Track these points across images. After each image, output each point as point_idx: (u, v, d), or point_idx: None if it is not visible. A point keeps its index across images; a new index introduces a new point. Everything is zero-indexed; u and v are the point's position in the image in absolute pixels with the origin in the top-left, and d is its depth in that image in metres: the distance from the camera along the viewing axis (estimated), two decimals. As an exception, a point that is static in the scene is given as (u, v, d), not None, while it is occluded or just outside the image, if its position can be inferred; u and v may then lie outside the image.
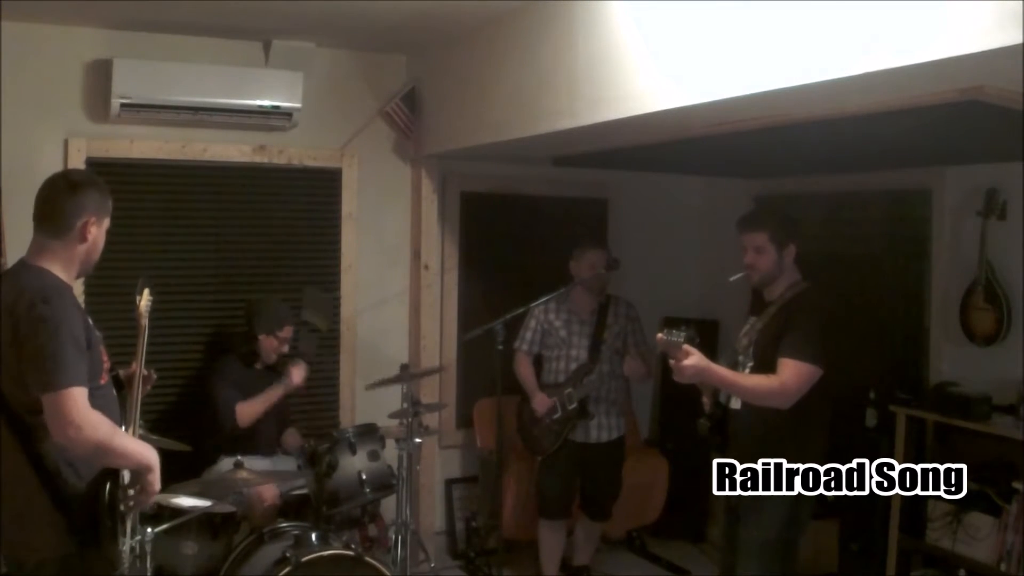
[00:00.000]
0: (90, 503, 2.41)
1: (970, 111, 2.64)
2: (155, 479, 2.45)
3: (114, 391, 2.63)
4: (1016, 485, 3.77)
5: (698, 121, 3.22)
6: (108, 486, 2.43)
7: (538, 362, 4.52)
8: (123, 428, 2.59)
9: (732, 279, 3.30)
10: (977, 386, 4.02)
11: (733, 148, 3.92)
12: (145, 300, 2.98)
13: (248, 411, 4.00)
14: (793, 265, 3.27)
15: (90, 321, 2.50)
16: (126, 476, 2.50)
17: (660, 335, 3.04)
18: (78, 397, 2.27)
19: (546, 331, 4.43)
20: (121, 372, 2.88)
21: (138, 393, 2.79)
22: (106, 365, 2.55)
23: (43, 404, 2.28)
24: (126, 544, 2.46)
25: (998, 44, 1.87)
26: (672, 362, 3.01)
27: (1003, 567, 3.75)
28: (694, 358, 2.97)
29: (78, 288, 4.19)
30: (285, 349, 4.22)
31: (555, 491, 4.41)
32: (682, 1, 2.81)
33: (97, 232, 2.55)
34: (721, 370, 3.09)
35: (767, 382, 3.07)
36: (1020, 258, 3.98)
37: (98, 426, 2.30)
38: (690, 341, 2.98)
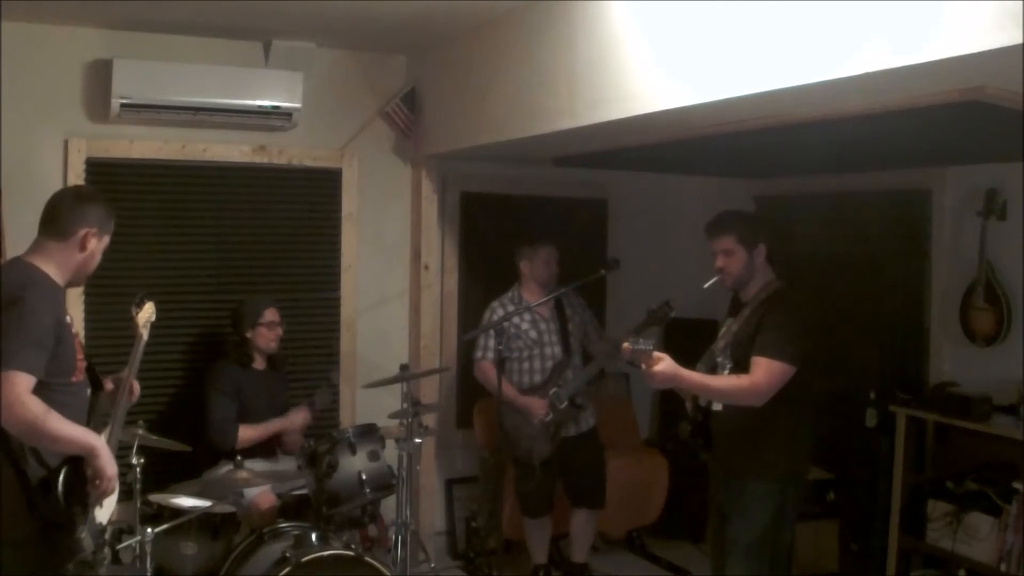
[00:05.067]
0: (51, 490, 2.47)
1: (970, 111, 2.64)
2: (101, 464, 2.52)
3: (87, 391, 2.70)
4: (1016, 485, 3.78)
5: (698, 121, 3.22)
6: (64, 473, 2.49)
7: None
8: (87, 426, 2.63)
9: (706, 285, 3.30)
10: (977, 386, 4.02)
11: (733, 148, 3.92)
12: (146, 313, 3.04)
13: (249, 435, 4.02)
14: (766, 264, 3.26)
15: (68, 319, 2.59)
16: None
17: (626, 344, 2.97)
18: (18, 382, 2.34)
19: (512, 335, 4.35)
20: (110, 378, 2.93)
21: (123, 401, 2.85)
22: (80, 364, 2.62)
23: None
24: (84, 531, 2.51)
25: (998, 44, 1.87)
26: (643, 367, 2.98)
27: (1003, 567, 3.75)
28: (664, 364, 2.96)
29: (77, 291, 4.21)
30: (279, 332, 4.19)
31: (536, 491, 4.37)
32: (682, 1, 2.81)
33: (96, 245, 2.69)
34: (691, 374, 3.08)
35: (738, 382, 3.07)
36: (1020, 258, 3.99)
37: (29, 406, 2.35)
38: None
